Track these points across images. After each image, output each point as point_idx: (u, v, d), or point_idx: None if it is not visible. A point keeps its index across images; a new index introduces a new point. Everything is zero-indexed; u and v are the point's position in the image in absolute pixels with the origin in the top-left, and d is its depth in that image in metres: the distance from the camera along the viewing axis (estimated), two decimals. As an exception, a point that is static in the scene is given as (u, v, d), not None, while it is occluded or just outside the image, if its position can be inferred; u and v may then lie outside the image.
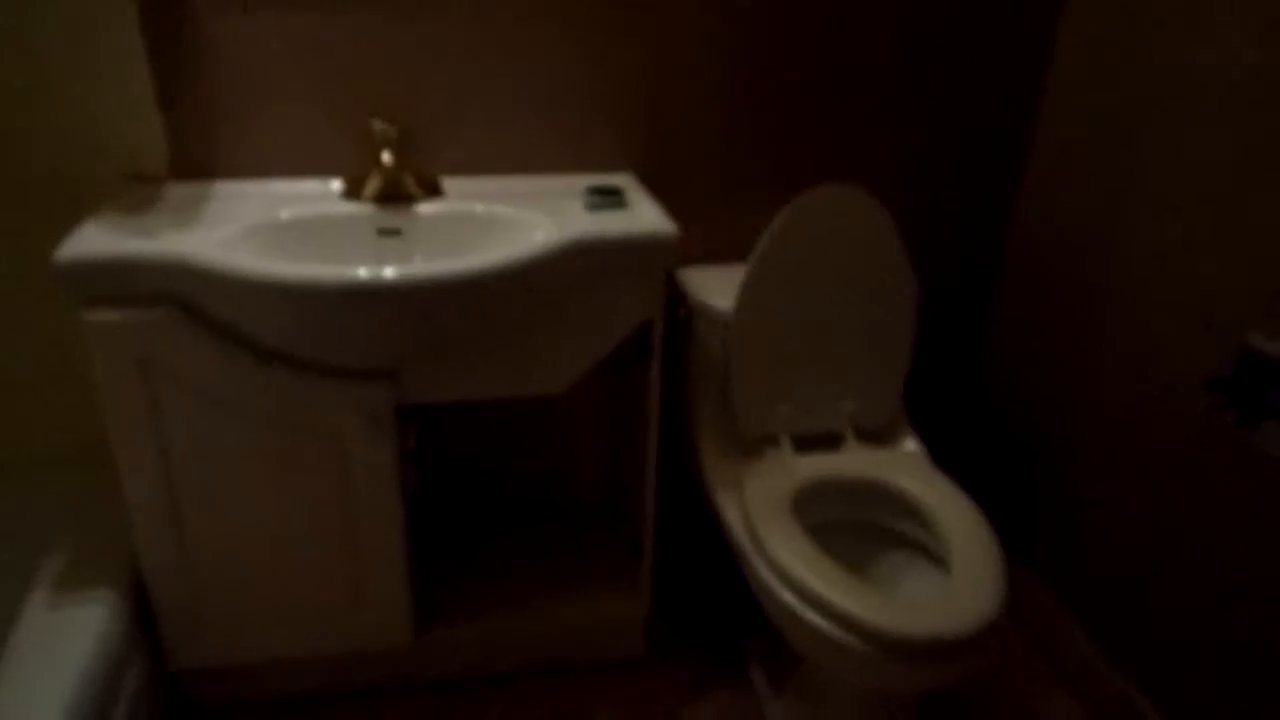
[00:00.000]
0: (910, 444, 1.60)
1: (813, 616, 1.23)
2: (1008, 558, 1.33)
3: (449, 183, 1.49)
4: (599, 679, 1.63)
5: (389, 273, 1.17)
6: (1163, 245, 1.41)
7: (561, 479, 1.82)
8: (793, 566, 1.28)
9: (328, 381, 1.28)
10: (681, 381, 1.65)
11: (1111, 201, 1.51)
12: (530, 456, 1.78)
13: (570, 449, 1.79)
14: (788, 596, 1.27)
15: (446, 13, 1.43)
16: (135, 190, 1.40)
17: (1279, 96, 1.21)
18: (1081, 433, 1.61)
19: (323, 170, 1.49)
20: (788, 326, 1.50)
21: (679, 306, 1.61)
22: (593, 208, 1.40)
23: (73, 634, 1.26)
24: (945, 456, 1.74)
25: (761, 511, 1.39)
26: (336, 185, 1.47)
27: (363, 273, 1.16)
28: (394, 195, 1.41)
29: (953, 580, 1.27)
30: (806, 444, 1.57)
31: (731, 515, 1.46)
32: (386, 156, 1.41)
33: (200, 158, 1.45)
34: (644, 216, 1.37)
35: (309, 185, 1.46)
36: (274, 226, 1.33)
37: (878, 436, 1.62)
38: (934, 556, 1.42)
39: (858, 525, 1.50)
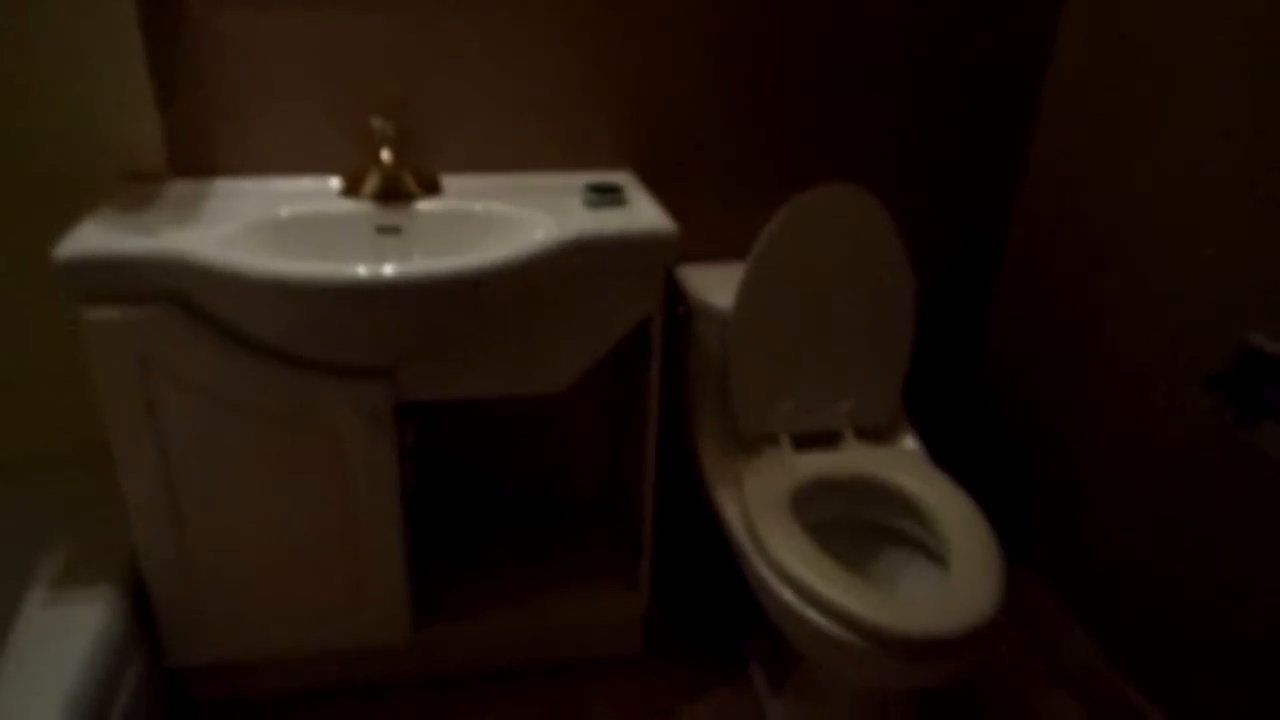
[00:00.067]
0: (909, 442, 1.60)
1: (812, 614, 1.24)
2: (1006, 556, 1.34)
3: (448, 180, 1.49)
4: (598, 676, 1.63)
5: (388, 270, 1.17)
6: (1162, 244, 1.41)
7: (560, 477, 1.82)
8: (792, 564, 1.28)
9: (327, 379, 1.28)
10: (681, 380, 1.65)
11: (1111, 201, 1.51)
12: (529, 454, 1.78)
13: (569, 447, 1.79)
14: (787, 594, 1.27)
15: (446, 10, 1.43)
16: (134, 188, 1.40)
17: (1279, 93, 1.21)
18: (1080, 431, 1.61)
19: (322, 168, 1.49)
20: (787, 325, 1.50)
21: (678, 305, 1.61)
22: (592, 205, 1.40)
23: (72, 632, 1.26)
24: (944, 455, 1.75)
25: (760, 509, 1.39)
26: (335, 183, 1.47)
27: (362, 271, 1.16)
28: (393, 193, 1.41)
29: (951, 578, 1.27)
30: (806, 442, 1.57)
31: (731, 513, 1.46)
32: (385, 154, 1.41)
33: (199, 155, 1.45)
34: (643, 214, 1.37)
35: (308, 183, 1.46)
36: (273, 224, 1.33)
37: (877, 435, 1.62)
38: (933, 554, 1.42)
39: (857, 523, 1.51)
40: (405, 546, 1.44)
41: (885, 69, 1.61)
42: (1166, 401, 1.41)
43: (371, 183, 1.41)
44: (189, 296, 1.21)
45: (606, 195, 1.40)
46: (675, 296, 1.61)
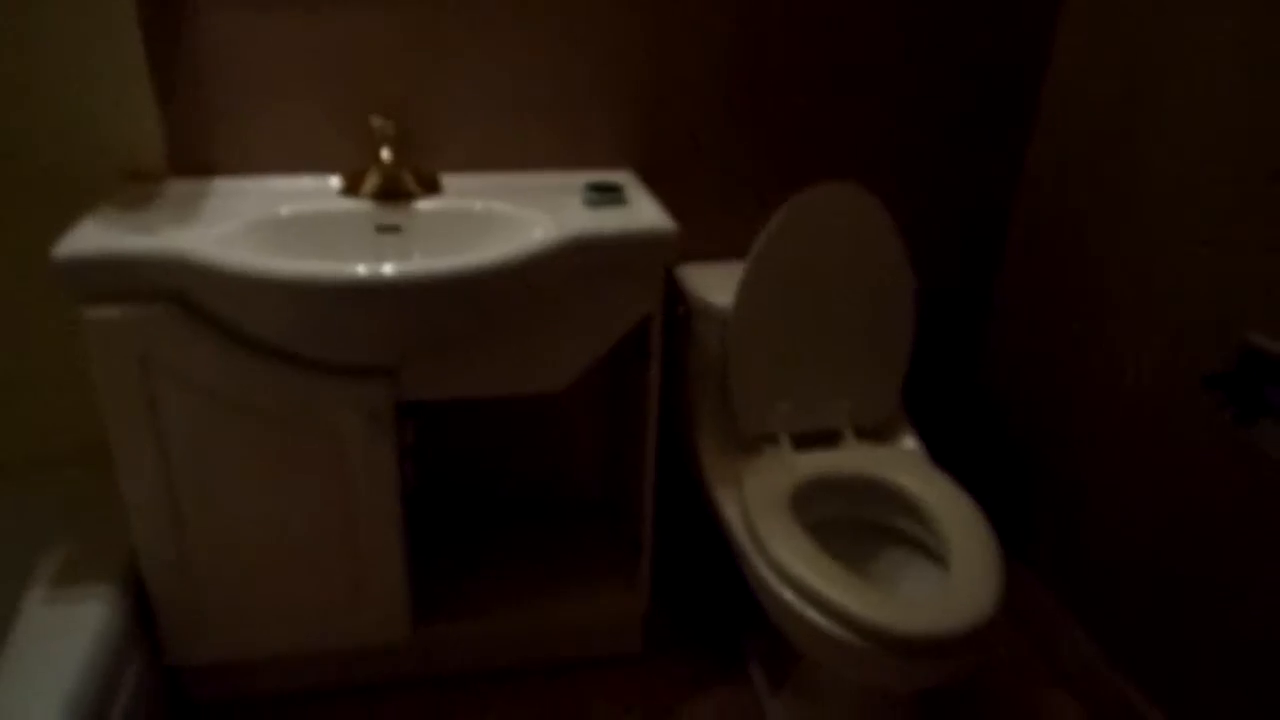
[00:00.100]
0: (909, 442, 1.60)
1: (812, 613, 1.23)
2: (1006, 555, 1.33)
3: (448, 179, 1.49)
4: (597, 675, 1.63)
5: (388, 270, 1.17)
6: (1162, 244, 1.41)
7: (560, 476, 1.82)
8: (792, 564, 1.28)
9: (327, 379, 1.28)
10: (680, 379, 1.65)
11: (1111, 201, 1.51)
12: (529, 453, 1.78)
13: (569, 446, 1.79)
14: (787, 593, 1.27)
15: (446, 10, 1.42)
16: (134, 187, 1.40)
17: (1279, 93, 1.21)
18: (1080, 431, 1.61)
19: (322, 167, 1.49)
20: (787, 324, 1.50)
21: (678, 304, 1.61)
22: (592, 205, 1.40)
23: (72, 631, 1.26)
24: (944, 455, 1.74)
25: (760, 509, 1.39)
26: (335, 182, 1.47)
27: (361, 270, 1.16)
28: (393, 192, 1.41)
29: (951, 577, 1.27)
30: (805, 441, 1.57)
31: (730, 512, 1.46)
32: (385, 153, 1.41)
33: (199, 154, 1.45)
34: (643, 214, 1.37)
35: (308, 182, 1.46)
36: (273, 223, 1.33)
37: (876, 434, 1.62)
38: (932, 554, 1.42)
39: (856, 523, 1.50)
40: (405, 546, 1.44)
41: (885, 69, 1.61)
42: (1165, 401, 1.41)
43: (371, 182, 1.41)
44: (189, 296, 1.21)
45: (606, 194, 1.40)
46: (675, 296, 1.61)
